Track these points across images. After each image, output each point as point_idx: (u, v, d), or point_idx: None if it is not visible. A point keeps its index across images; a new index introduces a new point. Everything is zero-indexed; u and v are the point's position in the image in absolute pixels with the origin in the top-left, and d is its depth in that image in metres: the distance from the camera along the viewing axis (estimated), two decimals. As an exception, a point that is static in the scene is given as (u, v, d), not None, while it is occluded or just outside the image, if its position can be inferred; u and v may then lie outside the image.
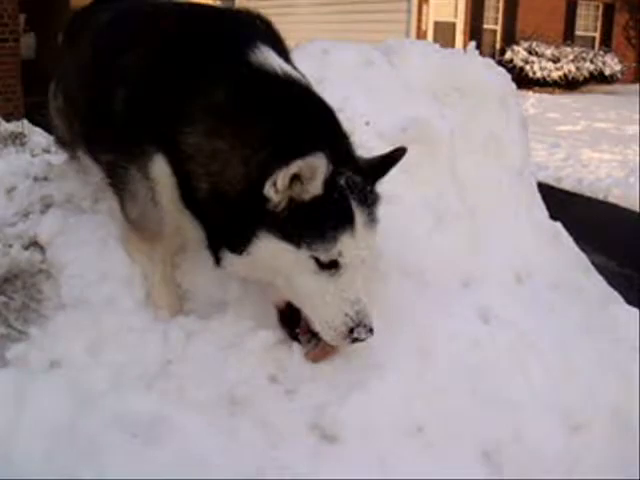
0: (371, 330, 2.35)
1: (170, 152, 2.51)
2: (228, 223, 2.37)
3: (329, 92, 2.68)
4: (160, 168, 2.56)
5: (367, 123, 2.90)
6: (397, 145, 2.83)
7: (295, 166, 2.17)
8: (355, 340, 2.36)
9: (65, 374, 2.46)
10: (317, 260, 2.29)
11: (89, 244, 2.97)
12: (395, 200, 2.88)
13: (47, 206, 3.44)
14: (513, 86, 3.77)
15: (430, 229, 2.91)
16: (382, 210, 2.48)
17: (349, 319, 2.33)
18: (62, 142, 3.70)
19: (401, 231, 2.83)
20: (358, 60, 3.44)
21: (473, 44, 3.82)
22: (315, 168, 2.19)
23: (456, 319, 2.65)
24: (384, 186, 2.85)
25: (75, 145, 3.37)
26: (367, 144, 2.88)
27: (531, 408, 2.49)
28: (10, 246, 3.22)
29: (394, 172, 2.79)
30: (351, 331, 2.34)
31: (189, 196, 2.52)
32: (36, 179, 3.79)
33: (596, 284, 3.35)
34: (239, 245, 2.33)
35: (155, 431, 2.28)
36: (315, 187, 2.23)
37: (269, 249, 2.30)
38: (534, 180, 3.79)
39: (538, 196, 3.70)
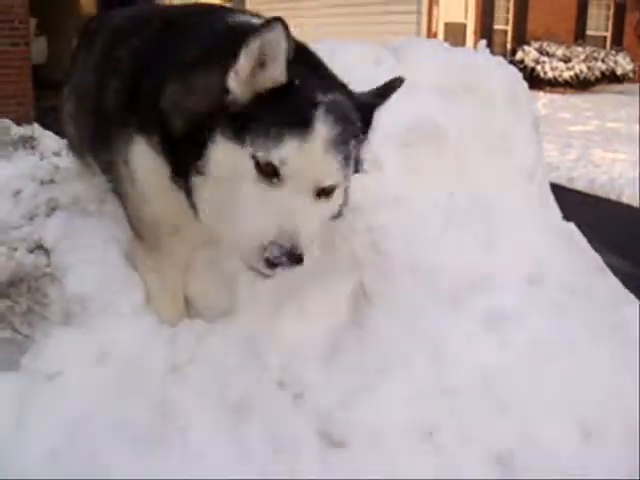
0: (295, 259, 2.04)
1: (154, 126, 2.42)
2: (194, 140, 2.21)
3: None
4: (140, 151, 2.49)
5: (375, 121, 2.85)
6: (405, 146, 2.81)
7: (255, 41, 2.05)
8: (270, 264, 2.05)
9: (69, 381, 2.43)
10: (258, 164, 2.09)
11: (94, 247, 2.94)
12: (403, 200, 2.84)
13: (53, 209, 3.42)
14: (524, 85, 3.71)
15: (440, 230, 2.86)
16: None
17: (267, 234, 2.04)
18: (74, 148, 3.67)
19: (410, 232, 2.78)
20: (366, 59, 3.40)
21: (483, 42, 3.78)
22: (276, 41, 2.05)
23: (467, 321, 2.60)
24: (392, 187, 2.82)
25: (84, 150, 3.35)
26: (374, 143, 2.83)
27: (544, 412, 2.44)
28: (15, 249, 3.21)
29: (401, 172, 2.76)
30: (265, 249, 2.04)
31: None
32: (42, 182, 3.77)
33: (610, 285, 3.28)
34: (199, 156, 2.18)
35: (159, 437, 2.25)
36: (278, 69, 2.09)
37: (219, 152, 2.14)
38: (547, 181, 3.73)
39: (551, 196, 3.64)
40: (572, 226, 3.51)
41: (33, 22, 13.00)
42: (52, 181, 3.72)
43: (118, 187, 2.76)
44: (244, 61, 2.11)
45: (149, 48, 2.61)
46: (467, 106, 3.27)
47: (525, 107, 3.63)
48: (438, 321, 2.57)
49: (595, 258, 3.42)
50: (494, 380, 2.47)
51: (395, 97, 2.89)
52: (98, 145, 2.89)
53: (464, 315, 2.61)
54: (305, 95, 2.15)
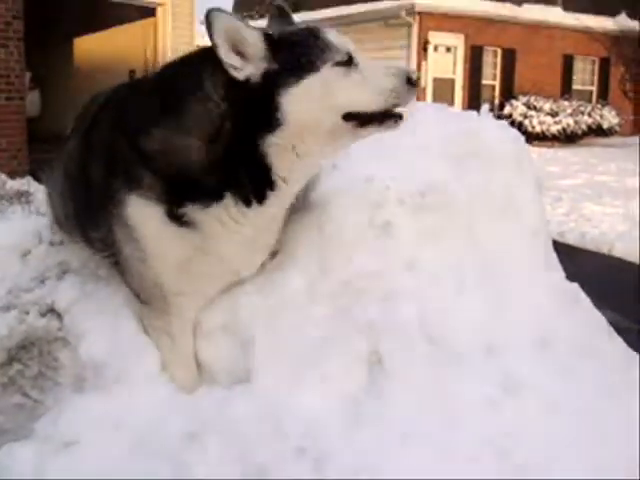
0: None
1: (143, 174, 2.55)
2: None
3: (361, 165, 2.86)
4: (137, 205, 2.57)
5: (387, 187, 2.89)
6: (417, 210, 2.84)
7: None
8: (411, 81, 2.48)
9: (87, 449, 2.42)
10: (339, 63, 2.40)
11: (106, 312, 2.94)
12: (416, 265, 2.87)
13: (64, 272, 3.42)
14: (527, 146, 3.77)
15: (452, 295, 2.88)
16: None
17: (393, 70, 2.48)
18: (60, 225, 3.68)
19: (424, 296, 2.80)
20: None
21: (486, 107, 3.84)
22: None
23: (483, 387, 2.60)
24: (405, 251, 2.85)
25: (71, 227, 3.37)
26: (388, 209, 2.88)
27: (560, 476, 2.44)
28: (27, 313, 3.20)
29: (414, 237, 2.78)
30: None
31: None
32: (52, 244, 3.77)
33: (617, 346, 3.30)
34: (266, 124, 2.41)
35: (179, 507, 2.24)
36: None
37: (294, 96, 2.37)
38: (550, 240, 3.77)
39: (555, 257, 3.67)
40: (576, 286, 3.53)
41: (27, 75, 13.12)
42: (62, 243, 3.72)
43: (118, 257, 2.79)
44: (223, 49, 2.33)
45: (116, 116, 2.77)
46: (474, 170, 3.32)
47: (528, 168, 3.68)
48: (455, 388, 2.57)
49: (599, 318, 3.44)
50: (511, 447, 2.47)
51: (406, 162, 2.96)
52: (90, 223, 2.94)
53: (480, 381, 2.62)
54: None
